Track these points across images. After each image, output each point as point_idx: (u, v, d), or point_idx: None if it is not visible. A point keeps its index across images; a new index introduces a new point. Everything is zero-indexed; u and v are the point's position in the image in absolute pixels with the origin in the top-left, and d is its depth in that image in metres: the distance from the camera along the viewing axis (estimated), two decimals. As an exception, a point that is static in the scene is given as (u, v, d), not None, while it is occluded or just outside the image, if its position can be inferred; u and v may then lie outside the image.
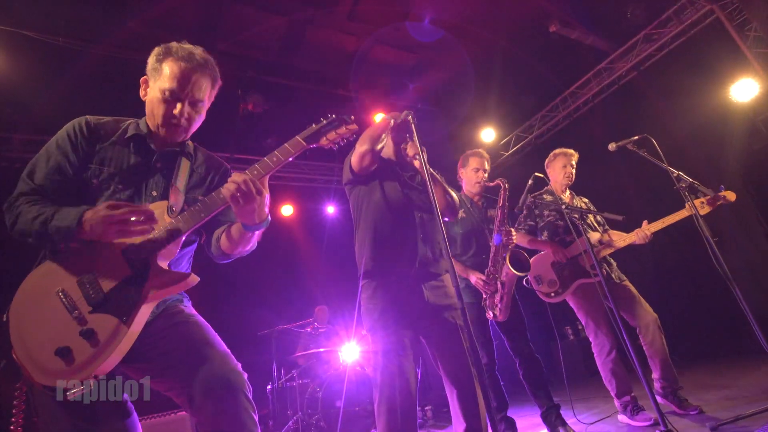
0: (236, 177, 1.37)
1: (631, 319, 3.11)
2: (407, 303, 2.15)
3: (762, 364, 3.78)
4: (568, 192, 3.56)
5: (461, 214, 3.12)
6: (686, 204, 2.84)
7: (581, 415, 3.34)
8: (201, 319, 1.52)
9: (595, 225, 3.41)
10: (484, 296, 2.95)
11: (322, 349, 5.16)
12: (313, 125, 1.54)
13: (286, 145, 1.49)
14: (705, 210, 2.89)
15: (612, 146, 3.00)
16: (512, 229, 3.00)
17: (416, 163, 2.26)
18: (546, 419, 2.95)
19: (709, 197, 2.88)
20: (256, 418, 1.36)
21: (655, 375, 3.02)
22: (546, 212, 3.44)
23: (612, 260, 3.35)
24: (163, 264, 1.40)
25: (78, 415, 1.27)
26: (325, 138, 1.53)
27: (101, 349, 1.26)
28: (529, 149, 7.65)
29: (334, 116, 1.56)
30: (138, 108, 1.61)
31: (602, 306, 3.13)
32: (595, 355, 3.17)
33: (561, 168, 3.51)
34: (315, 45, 5.51)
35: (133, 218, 1.29)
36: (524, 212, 3.49)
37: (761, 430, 2.04)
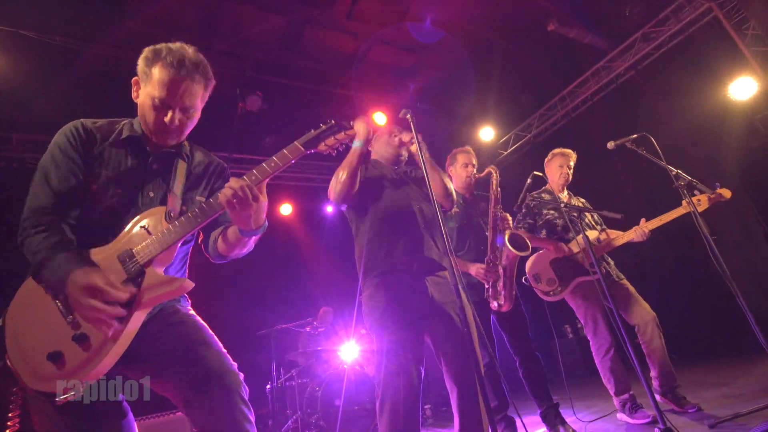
0: (233, 183, 1.36)
1: (629, 318, 3.11)
2: (410, 301, 2.13)
3: (760, 362, 3.80)
4: (565, 192, 3.58)
5: (454, 210, 3.13)
6: (683, 201, 2.85)
7: (580, 414, 3.35)
8: (198, 319, 1.52)
9: (593, 224, 3.42)
10: (487, 286, 2.92)
11: (320, 349, 5.16)
12: (312, 131, 1.53)
13: (284, 150, 1.47)
14: (702, 207, 2.89)
15: (610, 145, 3.01)
16: (507, 214, 3.02)
17: (413, 148, 2.36)
18: (545, 418, 2.96)
19: (705, 195, 2.89)
20: (252, 418, 1.35)
21: (653, 373, 3.02)
22: (545, 210, 3.45)
23: (610, 259, 3.36)
24: (159, 269, 1.40)
25: (74, 416, 1.27)
26: (323, 143, 1.52)
27: (93, 354, 1.25)
28: (528, 148, 7.66)
29: (333, 122, 1.55)
30: (137, 109, 1.60)
31: (601, 304, 3.13)
32: (593, 353, 3.17)
33: (558, 168, 3.53)
34: (314, 44, 5.51)
35: (104, 314, 1.24)
36: (523, 210, 3.50)
37: (759, 428, 2.05)
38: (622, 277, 3.28)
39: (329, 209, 7.70)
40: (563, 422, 2.90)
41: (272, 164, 1.44)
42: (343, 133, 1.55)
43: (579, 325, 6.31)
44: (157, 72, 1.45)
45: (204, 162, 1.70)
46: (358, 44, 5.66)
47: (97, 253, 1.37)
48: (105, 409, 1.31)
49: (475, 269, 2.94)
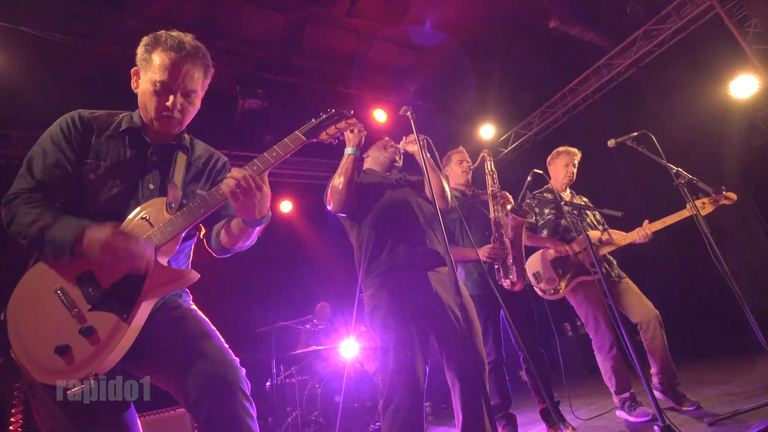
0: (236, 173, 1.35)
1: (632, 316, 3.10)
2: (413, 298, 2.13)
3: (760, 361, 3.80)
4: (568, 191, 3.57)
5: (454, 202, 3.14)
6: (687, 205, 2.84)
7: (579, 411, 3.35)
8: (199, 313, 1.51)
9: (595, 224, 3.41)
10: (497, 266, 2.91)
11: (321, 347, 5.17)
12: (313, 120, 1.53)
13: (285, 140, 1.47)
14: (707, 210, 2.89)
15: (611, 143, 3.00)
16: (506, 192, 3.03)
17: (410, 148, 2.43)
18: (545, 415, 2.96)
19: (711, 197, 2.88)
20: (253, 413, 1.34)
21: (654, 370, 3.03)
22: (546, 210, 3.44)
23: (612, 258, 3.35)
24: (163, 261, 1.39)
25: (78, 413, 1.26)
26: (324, 132, 1.52)
27: (101, 347, 1.25)
28: (528, 146, 7.66)
29: (333, 111, 1.55)
30: (137, 104, 1.59)
31: (602, 303, 3.13)
32: (595, 351, 3.17)
33: (563, 167, 3.51)
34: (314, 42, 5.50)
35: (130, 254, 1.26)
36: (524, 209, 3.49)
37: (759, 426, 2.05)
38: (624, 275, 3.28)
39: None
40: (562, 419, 2.90)
41: (274, 154, 1.44)
42: (344, 122, 1.55)
43: (579, 323, 6.32)
44: (157, 56, 1.45)
45: (205, 155, 1.68)
46: (358, 42, 5.65)
47: None
48: (107, 406, 1.30)
49: (483, 252, 2.93)
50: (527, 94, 7.03)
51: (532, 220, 2.91)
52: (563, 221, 3.35)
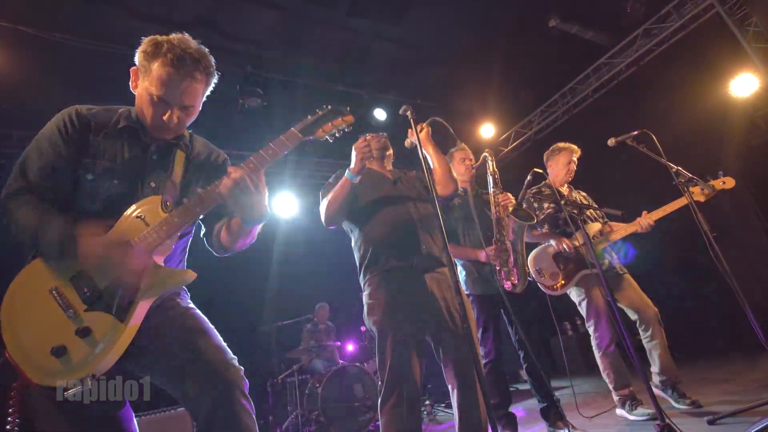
0: (232, 172, 1.34)
1: (631, 313, 3.11)
2: (410, 298, 2.13)
3: (760, 359, 3.80)
4: (566, 186, 3.56)
5: (456, 201, 3.14)
6: (685, 193, 2.84)
7: (579, 410, 3.35)
8: (197, 312, 1.50)
9: (596, 216, 3.40)
10: (498, 267, 2.91)
11: (321, 347, 5.17)
12: (309, 117, 1.51)
13: (281, 137, 1.45)
14: (704, 196, 2.89)
15: (611, 142, 3.00)
16: (508, 193, 3.02)
17: (406, 143, 2.47)
18: (545, 414, 2.96)
19: (708, 183, 2.87)
20: (252, 412, 1.34)
21: (654, 368, 3.03)
22: (546, 204, 3.43)
23: (613, 253, 3.35)
24: (159, 260, 1.38)
25: (75, 414, 1.26)
26: (321, 129, 1.50)
27: (98, 348, 1.24)
28: (529, 145, 7.66)
29: (329, 107, 1.53)
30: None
31: (603, 299, 3.14)
32: (594, 347, 3.16)
33: (565, 165, 3.50)
34: (314, 40, 5.49)
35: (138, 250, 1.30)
36: (524, 206, 3.49)
37: (759, 424, 2.05)
38: (625, 270, 3.28)
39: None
40: (562, 418, 2.90)
41: (270, 151, 1.42)
42: (340, 119, 1.53)
43: (579, 322, 6.32)
44: (156, 68, 1.40)
45: (204, 152, 1.67)
46: (358, 40, 5.64)
47: None
48: (105, 407, 1.29)
49: (485, 254, 2.94)
50: (527, 92, 7.02)
51: (534, 222, 2.91)
52: (563, 214, 3.35)
